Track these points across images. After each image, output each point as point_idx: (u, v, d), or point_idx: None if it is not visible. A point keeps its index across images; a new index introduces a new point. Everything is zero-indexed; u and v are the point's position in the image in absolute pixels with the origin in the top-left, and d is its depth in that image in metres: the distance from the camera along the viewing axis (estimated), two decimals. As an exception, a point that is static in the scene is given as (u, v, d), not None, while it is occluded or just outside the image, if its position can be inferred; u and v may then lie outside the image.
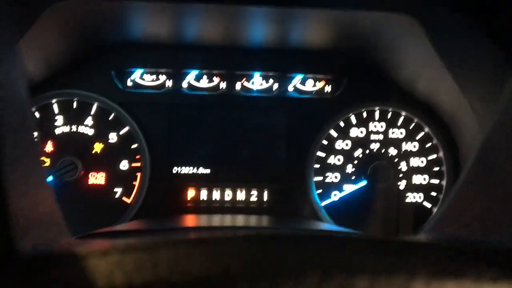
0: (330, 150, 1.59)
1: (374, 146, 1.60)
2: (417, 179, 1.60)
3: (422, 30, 1.25)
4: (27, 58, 1.33)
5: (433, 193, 1.60)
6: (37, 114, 1.50)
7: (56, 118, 1.51)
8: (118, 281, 0.30)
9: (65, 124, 1.51)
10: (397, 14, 1.25)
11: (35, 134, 0.46)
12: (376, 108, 1.61)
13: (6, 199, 0.36)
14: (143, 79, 1.57)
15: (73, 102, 1.52)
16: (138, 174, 1.53)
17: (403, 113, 1.61)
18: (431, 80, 1.47)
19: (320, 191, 1.58)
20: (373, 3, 1.26)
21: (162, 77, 1.58)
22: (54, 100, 1.51)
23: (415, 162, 1.60)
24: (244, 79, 1.61)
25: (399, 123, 1.62)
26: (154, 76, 1.58)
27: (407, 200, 1.60)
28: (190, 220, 1.39)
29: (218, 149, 1.58)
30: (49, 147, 1.50)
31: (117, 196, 1.52)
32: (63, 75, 1.50)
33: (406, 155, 1.60)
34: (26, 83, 0.45)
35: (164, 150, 1.55)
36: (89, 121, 1.52)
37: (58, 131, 1.51)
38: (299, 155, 1.57)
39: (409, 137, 1.61)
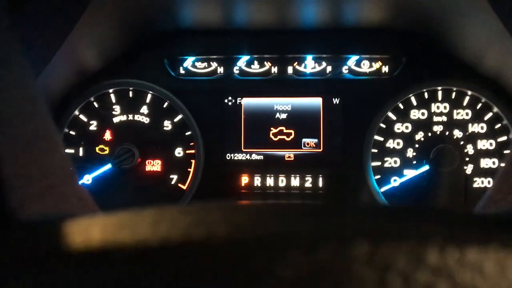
0: (389, 133, 1.51)
1: (437, 129, 1.50)
2: (486, 162, 1.49)
3: (486, 0, 1.14)
4: (81, 49, 1.38)
5: (504, 178, 1.47)
6: (95, 104, 1.55)
7: (113, 107, 1.55)
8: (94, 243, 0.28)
9: (122, 113, 1.55)
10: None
11: (50, 122, 0.45)
12: (439, 88, 1.50)
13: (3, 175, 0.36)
14: (195, 66, 1.58)
15: (129, 91, 1.56)
16: (193, 161, 1.54)
17: (469, 92, 1.50)
18: (499, 55, 1.35)
19: (378, 176, 1.51)
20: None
21: (214, 64, 1.57)
22: (111, 90, 1.55)
23: (483, 144, 1.49)
24: (296, 62, 1.56)
25: (464, 103, 1.50)
26: (205, 63, 1.58)
27: (475, 185, 1.49)
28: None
29: (271, 135, 1.55)
30: (107, 135, 1.54)
31: (173, 182, 1.54)
32: (118, 65, 1.54)
33: (473, 138, 1.49)
34: (33, 75, 0.45)
35: (217, 136, 1.55)
36: (144, 109, 1.55)
37: (115, 119, 1.55)
38: (356, 139, 1.51)
39: (476, 118, 1.50)
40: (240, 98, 1.55)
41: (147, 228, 0.28)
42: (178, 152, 1.55)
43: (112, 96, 1.56)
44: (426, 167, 1.48)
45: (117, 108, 1.56)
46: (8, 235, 0.34)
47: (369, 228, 0.26)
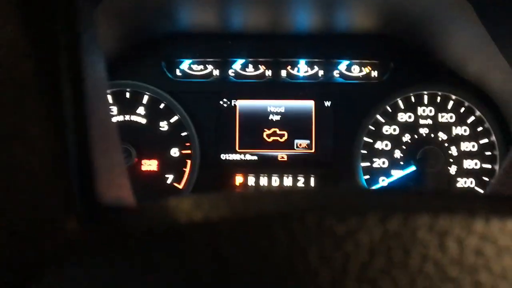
0: (378, 135, 1.58)
1: (423, 131, 1.57)
2: (469, 163, 1.57)
3: (471, 8, 1.22)
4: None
5: (486, 178, 1.55)
6: (93, 105, 1.57)
7: (110, 108, 1.58)
8: (197, 217, 0.33)
9: (119, 113, 1.58)
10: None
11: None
12: (425, 92, 1.58)
13: (91, 154, 0.39)
14: (192, 69, 1.62)
15: (126, 92, 1.59)
16: (188, 161, 1.58)
17: (453, 97, 1.58)
18: (482, 61, 1.43)
19: (367, 176, 1.57)
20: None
21: (210, 67, 1.62)
22: (108, 91, 1.58)
23: (466, 146, 1.57)
24: (289, 66, 1.62)
25: (449, 107, 1.58)
26: (202, 66, 1.62)
27: (458, 185, 1.57)
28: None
29: (265, 136, 1.60)
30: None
31: (169, 181, 1.58)
32: (116, 67, 1.57)
33: (456, 140, 1.57)
34: (104, 62, 0.47)
35: (212, 137, 1.59)
36: (141, 110, 1.58)
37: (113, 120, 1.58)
38: (346, 140, 1.57)
39: (460, 121, 1.58)
40: (235, 100, 1.60)
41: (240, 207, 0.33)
42: (174, 152, 1.59)
43: (109, 97, 1.58)
44: (412, 168, 1.55)
45: (114, 109, 1.58)
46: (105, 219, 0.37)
47: (429, 204, 0.33)
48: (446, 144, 1.57)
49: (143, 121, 1.58)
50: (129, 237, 0.33)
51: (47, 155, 0.37)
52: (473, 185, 1.56)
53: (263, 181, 1.59)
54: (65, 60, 0.38)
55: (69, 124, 0.38)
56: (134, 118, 1.58)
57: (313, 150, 1.60)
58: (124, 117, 1.58)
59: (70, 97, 0.38)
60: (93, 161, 0.39)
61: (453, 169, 1.57)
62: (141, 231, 0.33)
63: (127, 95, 1.59)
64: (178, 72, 1.62)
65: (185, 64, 1.62)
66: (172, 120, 1.58)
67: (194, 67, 1.62)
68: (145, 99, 1.59)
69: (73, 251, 0.35)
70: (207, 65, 1.62)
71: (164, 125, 1.59)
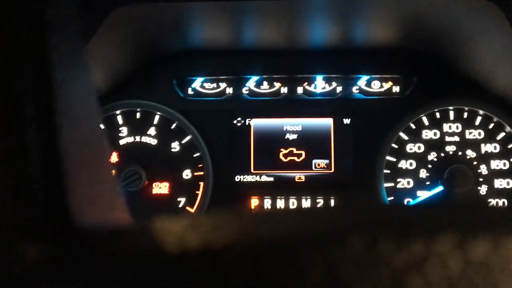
0: (401, 154, 1.49)
1: (450, 149, 1.48)
2: (500, 183, 1.46)
3: (502, 15, 1.13)
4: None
5: (519, 199, 1.45)
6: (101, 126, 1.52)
7: (120, 129, 1.53)
8: (191, 243, 0.28)
9: (129, 134, 1.53)
10: (474, 0, 1.15)
11: (105, 136, 0.45)
12: (451, 108, 1.49)
13: (65, 173, 0.35)
14: (204, 87, 1.56)
15: (137, 112, 1.53)
16: (201, 183, 1.51)
17: (481, 112, 1.48)
18: (510, 73, 1.34)
19: (391, 198, 1.48)
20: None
21: (223, 84, 1.56)
22: (118, 111, 1.52)
23: (497, 164, 1.47)
24: (306, 82, 1.55)
25: (477, 123, 1.49)
26: (214, 84, 1.56)
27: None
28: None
29: (281, 156, 1.52)
30: (114, 157, 1.51)
31: (180, 205, 1.50)
32: (126, 86, 1.52)
33: (486, 158, 1.47)
34: (95, 90, 0.45)
35: (226, 158, 1.52)
36: (152, 130, 1.52)
37: (122, 141, 1.52)
38: (368, 160, 1.49)
39: (489, 137, 1.48)
40: (249, 119, 1.53)
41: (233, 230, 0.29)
42: (186, 174, 1.51)
43: (119, 118, 1.53)
44: (440, 188, 1.45)
45: (124, 130, 1.53)
46: (73, 241, 0.33)
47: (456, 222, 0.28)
48: (475, 163, 1.47)
49: (154, 142, 1.52)
50: (100, 262, 0.29)
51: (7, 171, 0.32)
52: (505, 206, 1.46)
53: (280, 203, 1.51)
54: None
55: (34, 138, 0.34)
56: (144, 139, 1.52)
57: (332, 170, 1.51)
58: (135, 138, 1.52)
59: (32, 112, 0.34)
60: (64, 179, 0.35)
61: (483, 189, 1.46)
62: (117, 257, 0.29)
63: (138, 115, 1.53)
64: (190, 91, 1.56)
65: (197, 82, 1.56)
66: (184, 141, 1.52)
67: (207, 85, 1.56)
68: (156, 119, 1.53)
69: (42, 276, 0.31)
70: (220, 83, 1.56)
71: (175, 146, 1.52)
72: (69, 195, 0.35)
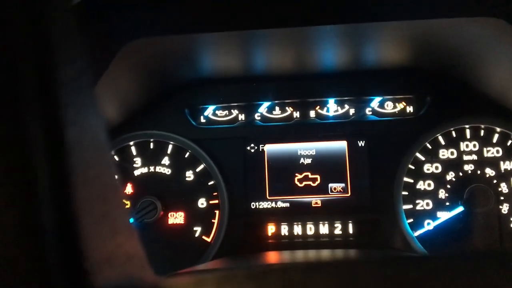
0: (419, 174, 1.46)
1: (468, 168, 1.45)
2: (522, 201, 1.42)
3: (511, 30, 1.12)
4: (103, 103, 1.36)
5: (544, 217, 1.41)
6: (116, 157, 1.52)
7: (134, 159, 1.52)
8: None
9: (143, 165, 1.52)
10: (481, 18, 1.13)
11: (116, 176, 0.44)
12: (467, 126, 1.47)
13: (80, 236, 0.33)
14: (216, 115, 1.56)
15: (150, 142, 1.53)
16: (217, 212, 1.49)
17: (498, 129, 1.46)
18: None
19: (411, 220, 1.44)
20: (452, 9, 1.15)
21: (235, 111, 1.55)
22: (132, 142, 1.52)
23: (518, 182, 1.43)
24: (318, 106, 1.54)
25: (494, 140, 1.46)
26: (226, 111, 1.56)
27: (512, 225, 1.42)
28: (273, 257, 1.32)
29: (296, 181, 1.50)
30: (128, 189, 1.51)
31: (197, 235, 1.48)
32: (138, 117, 1.52)
33: (506, 175, 1.44)
34: (105, 127, 0.44)
35: (241, 185, 1.51)
36: (166, 160, 1.52)
37: (136, 172, 1.52)
38: (385, 182, 1.46)
39: (508, 154, 1.45)
40: (262, 145, 1.52)
41: None
42: (202, 203, 1.50)
43: (133, 149, 1.53)
44: (460, 208, 1.42)
45: (138, 161, 1.52)
46: None
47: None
48: (494, 181, 1.44)
49: (168, 171, 1.51)
50: None
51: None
52: (529, 224, 1.42)
53: (297, 230, 1.48)
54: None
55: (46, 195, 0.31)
56: (158, 169, 1.52)
57: (349, 194, 1.49)
58: (149, 168, 1.52)
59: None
60: (79, 235, 0.32)
61: (504, 208, 1.43)
62: None
63: (151, 145, 1.53)
64: (202, 119, 1.56)
65: (209, 110, 1.56)
66: (198, 169, 1.51)
67: (219, 112, 1.56)
68: (169, 148, 1.52)
69: None
70: (232, 110, 1.55)
71: (189, 175, 1.51)
72: (84, 251, 0.33)
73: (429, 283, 0.27)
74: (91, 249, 0.33)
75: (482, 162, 1.45)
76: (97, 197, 0.36)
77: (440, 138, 1.47)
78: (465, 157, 1.46)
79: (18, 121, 0.33)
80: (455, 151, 1.46)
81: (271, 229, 1.49)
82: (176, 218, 1.49)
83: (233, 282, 0.30)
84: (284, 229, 1.49)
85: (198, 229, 1.49)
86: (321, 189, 1.50)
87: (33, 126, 0.33)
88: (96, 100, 0.43)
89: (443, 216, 1.44)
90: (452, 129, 1.47)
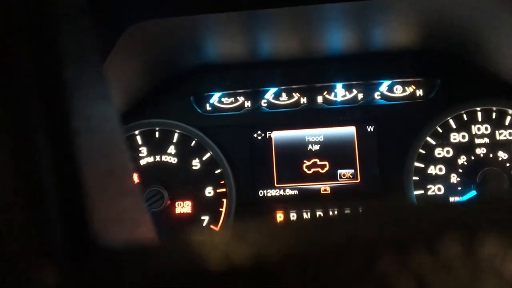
0: (430, 159, 1.43)
1: (481, 151, 1.42)
2: (536, 184, 1.39)
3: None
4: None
5: (559, 200, 1.38)
6: (121, 147, 1.50)
7: (140, 149, 1.51)
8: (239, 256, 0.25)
9: (149, 154, 1.50)
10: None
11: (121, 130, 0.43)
12: (478, 108, 1.43)
13: (85, 191, 0.32)
14: (222, 102, 1.53)
15: (155, 131, 1.51)
16: (224, 200, 1.47)
17: (510, 111, 1.42)
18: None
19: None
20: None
21: (241, 98, 1.53)
22: (137, 132, 1.51)
23: (532, 165, 1.40)
24: (326, 91, 1.51)
25: (506, 123, 1.43)
26: (232, 98, 1.53)
27: (527, 209, 1.39)
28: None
29: (304, 168, 1.48)
30: (134, 179, 1.49)
31: (204, 224, 1.47)
32: (143, 105, 1.50)
33: (519, 158, 1.41)
34: (117, 110, 0.43)
35: (248, 173, 1.49)
36: (172, 149, 1.50)
37: (142, 162, 1.50)
38: (395, 167, 1.43)
39: (521, 137, 1.42)
40: (269, 132, 1.50)
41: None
42: (209, 191, 1.48)
43: (138, 138, 1.51)
44: (473, 193, 1.39)
45: (143, 150, 1.51)
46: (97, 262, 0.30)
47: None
48: (508, 164, 1.41)
49: (174, 160, 1.49)
50: (131, 286, 0.26)
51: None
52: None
53: (306, 217, 1.46)
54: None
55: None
56: (165, 158, 1.50)
57: (358, 180, 1.46)
58: (155, 158, 1.50)
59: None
60: (84, 192, 0.32)
61: (518, 192, 1.39)
62: (151, 278, 0.26)
63: (157, 134, 1.51)
64: (208, 107, 1.54)
65: (214, 97, 1.54)
66: (204, 158, 1.49)
67: (224, 99, 1.53)
68: (175, 137, 1.50)
69: None
70: (238, 97, 1.53)
71: (196, 164, 1.49)
72: (89, 211, 0.32)
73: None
74: (95, 206, 0.31)
75: (494, 145, 1.42)
76: (99, 150, 0.34)
77: (451, 122, 1.44)
78: (477, 141, 1.43)
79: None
80: (466, 135, 1.43)
81: (279, 217, 1.47)
82: (184, 207, 1.48)
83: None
84: (293, 217, 1.47)
85: (205, 218, 1.47)
86: (330, 176, 1.47)
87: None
88: (106, 82, 0.41)
89: (456, 201, 1.41)
90: (463, 112, 1.44)
